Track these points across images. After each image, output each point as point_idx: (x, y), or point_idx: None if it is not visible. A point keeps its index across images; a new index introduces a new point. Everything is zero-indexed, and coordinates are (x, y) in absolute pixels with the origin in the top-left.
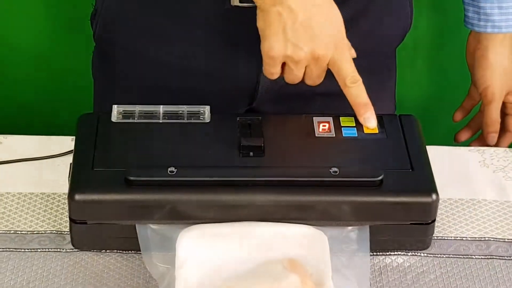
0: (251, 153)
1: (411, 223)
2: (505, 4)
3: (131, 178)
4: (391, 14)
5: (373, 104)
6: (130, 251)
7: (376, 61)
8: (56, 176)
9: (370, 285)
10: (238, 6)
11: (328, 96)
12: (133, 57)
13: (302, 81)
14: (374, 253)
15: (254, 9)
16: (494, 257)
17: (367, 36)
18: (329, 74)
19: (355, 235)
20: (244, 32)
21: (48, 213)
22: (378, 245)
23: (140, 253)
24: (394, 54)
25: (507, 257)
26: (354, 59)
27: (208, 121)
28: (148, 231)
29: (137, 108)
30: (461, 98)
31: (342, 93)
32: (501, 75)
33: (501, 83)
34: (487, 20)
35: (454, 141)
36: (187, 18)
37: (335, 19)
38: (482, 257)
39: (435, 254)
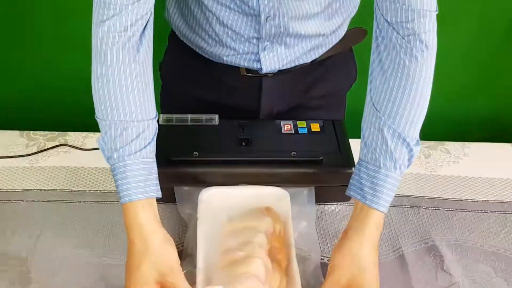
0: (244, 143)
1: (339, 185)
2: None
3: (172, 158)
4: (340, 75)
5: (328, 114)
6: (169, 203)
7: (332, 101)
8: None
9: (315, 224)
10: (245, 75)
11: (305, 111)
12: (180, 93)
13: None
14: (318, 204)
15: (256, 76)
16: (391, 206)
17: (324, 90)
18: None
19: (306, 193)
20: (250, 88)
21: None
22: (320, 199)
23: (175, 203)
24: (345, 95)
25: (396, 205)
26: (318, 99)
27: (217, 124)
28: (181, 191)
29: (175, 116)
30: None
31: (317, 108)
32: (348, 262)
33: (344, 266)
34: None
35: None
36: (215, 79)
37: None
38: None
39: (353, 204)
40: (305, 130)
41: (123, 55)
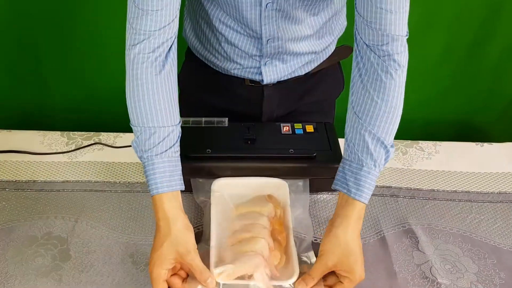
0: (249, 142)
1: (330, 177)
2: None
3: (188, 154)
4: (329, 85)
5: (319, 117)
6: (187, 192)
7: (323, 107)
8: None
9: (309, 210)
10: (249, 85)
11: (300, 115)
12: (195, 100)
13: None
14: (312, 193)
15: (258, 86)
16: (372, 195)
17: (316, 97)
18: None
19: (301, 184)
20: (254, 96)
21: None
22: (314, 189)
23: (192, 193)
24: (334, 102)
25: (378, 194)
26: (311, 105)
27: (227, 125)
28: (196, 182)
29: (191, 119)
30: None
31: (310, 112)
32: (333, 249)
33: (329, 253)
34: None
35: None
36: (223, 88)
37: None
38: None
39: None
40: (301, 131)
41: (151, 71)
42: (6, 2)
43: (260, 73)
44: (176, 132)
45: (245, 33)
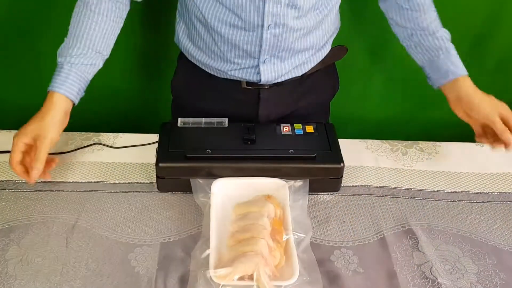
0: (249, 142)
1: (330, 178)
2: (453, 58)
3: (188, 155)
4: (324, 87)
5: (315, 120)
6: (186, 192)
7: (318, 109)
8: (152, 155)
9: (308, 210)
10: (245, 87)
11: (297, 118)
12: (190, 106)
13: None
14: (311, 194)
15: (254, 89)
16: (372, 195)
17: (312, 100)
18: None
19: (301, 184)
20: (250, 99)
21: (147, 174)
22: (314, 189)
23: (192, 193)
24: (329, 104)
25: (378, 195)
26: (307, 107)
27: (226, 126)
28: (196, 182)
29: (191, 119)
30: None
31: (306, 115)
32: (489, 104)
33: (492, 109)
34: (447, 73)
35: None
36: (219, 92)
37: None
38: (366, 195)
39: (342, 193)
40: (301, 131)
41: (107, 6)
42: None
43: (258, 73)
44: (100, 61)
45: (244, 26)
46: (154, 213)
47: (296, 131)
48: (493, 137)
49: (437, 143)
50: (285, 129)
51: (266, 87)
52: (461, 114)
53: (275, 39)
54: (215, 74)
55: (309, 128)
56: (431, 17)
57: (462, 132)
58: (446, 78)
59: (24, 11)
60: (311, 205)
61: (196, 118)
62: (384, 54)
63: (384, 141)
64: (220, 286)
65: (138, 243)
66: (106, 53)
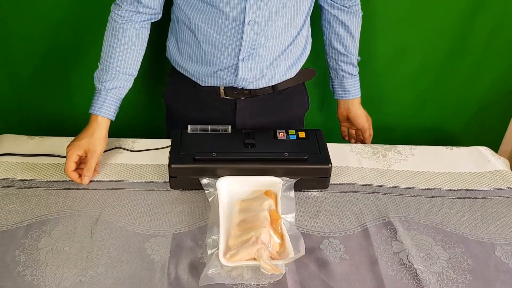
0: (249, 146)
1: (320, 177)
2: (353, 80)
3: (196, 157)
4: (296, 103)
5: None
6: (194, 189)
7: (292, 123)
8: (165, 158)
9: (300, 204)
10: (224, 98)
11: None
12: (178, 114)
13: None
14: (302, 190)
15: (232, 99)
16: (356, 192)
17: (285, 115)
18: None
19: (292, 181)
20: (227, 108)
21: (161, 174)
22: (305, 187)
23: (201, 190)
24: (302, 119)
25: (361, 191)
26: (282, 123)
27: (230, 132)
28: (204, 181)
29: (199, 127)
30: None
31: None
32: (364, 119)
33: (365, 122)
34: (348, 92)
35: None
36: (201, 102)
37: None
38: (351, 192)
39: (330, 190)
40: (294, 137)
41: (131, 28)
42: (36, 10)
43: (237, 74)
44: (130, 82)
45: (226, 22)
46: (167, 208)
47: (290, 136)
48: (354, 137)
49: (413, 146)
50: (281, 134)
51: (242, 98)
52: (342, 119)
53: (254, 35)
54: (199, 83)
55: (302, 134)
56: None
57: (435, 138)
58: (347, 96)
59: (52, 19)
60: (303, 201)
61: (203, 125)
62: (367, 71)
63: (366, 145)
64: (229, 267)
65: (153, 234)
66: (135, 73)
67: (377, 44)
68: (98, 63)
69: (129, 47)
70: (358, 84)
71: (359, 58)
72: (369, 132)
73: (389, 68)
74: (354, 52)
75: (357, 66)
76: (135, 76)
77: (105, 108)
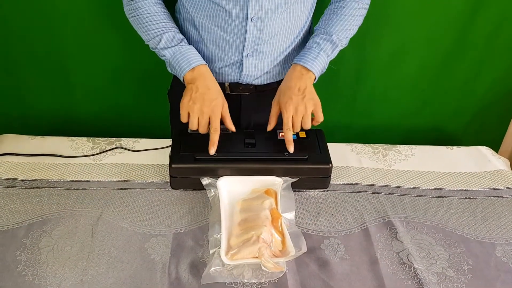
0: (250, 146)
1: (320, 177)
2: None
3: (197, 157)
4: None
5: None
6: (195, 189)
7: None
8: (166, 158)
9: (301, 204)
10: (229, 93)
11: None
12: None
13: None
14: (303, 190)
15: (237, 95)
16: (356, 191)
17: None
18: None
19: (288, 182)
20: (232, 104)
21: (161, 174)
22: (306, 187)
23: (202, 190)
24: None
25: (362, 191)
26: (280, 118)
27: (230, 132)
28: (206, 180)
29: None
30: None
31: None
32: (289, 93)
33: (288, 100)
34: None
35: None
36: None
37: (216, 96)
38: (351, 192)
39: (330, 190)
40: (295, 136)
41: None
42: (36, 10)
43: (241, 70)
44: (181, 35)
45: (229, 19)
46: (168, 208)
47: None
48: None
49: (413, 146)
50: (281, 134)
51: (247, 93)
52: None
53: (257, 32)
54: None
55: (302, 134)
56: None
57: (435, 137)
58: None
59: (54, 18)
60: (303, 201)
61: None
62: (368, 71)
63: (367, 144)
64: (231, 265)
65: (153, 234)
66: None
67: (377, 44)
68: (150, 44)
69: (157, 9)
70: (313, 55)
71: (337, 43)
72: (288, 128)
73: (389, 68)
74: (327, 29)
75: (320, 43)
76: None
77: (201, 57)
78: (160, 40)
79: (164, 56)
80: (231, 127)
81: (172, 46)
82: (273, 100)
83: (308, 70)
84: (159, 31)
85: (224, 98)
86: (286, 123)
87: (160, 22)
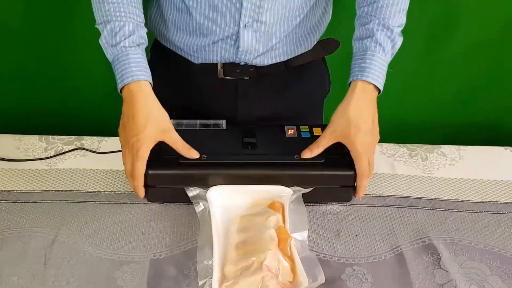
0: (249, 147)
1: (340, 186)
2: (364, 58)
3: (181, 161)
4: (313, 83)
5: (305, 123)
6: (179, 203)
7: (309, 109)
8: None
9: (316, 222)
10: (223, 77)
11: (285, 120)
12: (162, 102)
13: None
14: (318, 204)
15: (232, 80)
16: (388, 206)
17: (300, 98)
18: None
19: (299, 193)
20: (227, 92)
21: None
22: (322, 199)
23: (188, 204)
24: (322, 104)
25: (395, 205)
26: (296, 107)
27: (224, 128)
28: (192, 192)
29: (184, 121)
30: None
31: (295, 116)
32: (359, 143)
33: (363, 152)
34: (353, 73)
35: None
36: (194, 85)
37: (140, 128)
38: (381, 206)
39: (354, 204)
40: (308, 134)
41: None
42: (36, 10)
43: (238, 45)
44: (143, 30)
45: None
46: (143, 227)
47: (303, 134)
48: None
49: (461, 147)
50: (290, 131)
51: (245, 77)
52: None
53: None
54: (190, 59)
55: (317, 131)
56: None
57: (489, 136)
58: (351, 77)
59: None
60: (319, 218)
61: (191, 120)
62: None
63: (401, 145)
64: None
65: (125, 260)
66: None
67: (413, 14)
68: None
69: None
70: (378, 63)
71: (394, 35)
72: (365, 179)
73: (430, 47)
74: (379, 15)
75: (381, 44)
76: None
77: (146, 70)
78: (112, 29)
79: (106, 54)
80: (188, 154)
81: (118, 44)
82: (328, 129)
83: (375, 86)
84: (111, 17)
85: (165, 125)
86: (363, 173)
87: (118, 3)
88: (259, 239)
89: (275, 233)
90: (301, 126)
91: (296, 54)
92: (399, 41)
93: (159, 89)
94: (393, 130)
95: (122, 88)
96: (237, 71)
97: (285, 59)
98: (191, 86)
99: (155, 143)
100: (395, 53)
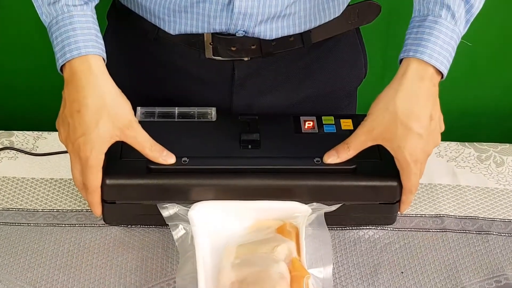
0: (250, 146)
1: (379, 203)
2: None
3: (152, 166)
4: (343, 65)
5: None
6: (150, 226)
7: (336, 101)
8: None
9: (345, 250)
10: (211, 58)
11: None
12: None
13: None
14: (349, 227)
15: (225, 61)
16: (448, 230)
17: (323, 85)
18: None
19: (321, 212)
20: (218, 79)
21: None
22: (352, 221)
23: (159, 227)
24: (354, 93)
25: (457, 230)
26: (315, 98)
27: (214, 120)
28: (168, 208)
29: (157, 110)
30: None
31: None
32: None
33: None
34: (406, 47)
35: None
36: (171, 67)
37: (92, 123)
38: (438, 230)
39: (399, 228)
40: (334, 128)
41: None
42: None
43: (232, 6)
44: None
45: None
46: (99, 259)
47: (326, 128)
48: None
49: None
50: (308, 124)
51: (245, 58)
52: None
53: None
54: (164, 29)
55: (346, 124)
56: None
57: None
58: (402, 54)
59: None
60: (349, 246)
61: (166, 108)
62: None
63: (466, 144)
64: None
65: None
66: None
67: None
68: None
69: None
70: (444, 36)
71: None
72: (413, 194)
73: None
74: None
75: (449, 5)
76: None
77: (97, 40)
78: None
79: (40, 15)
80: (160, 158)
81: (58, 1)
82: (365, 126)
83: (435, 69)
84: None
85: (126, 117)
86: (411, 188)
87: None
88: (264, 278)
89: (286, 269)
90: (323, 117)
91: (318, 24)
92: (477, 2)
93: (117, 71)
94: (455, 124)
95: (63, 65)
96: (233, 48)
97: (302, 30)
98: (165, 69)
99: (112, 143)
100: (471, 19)
